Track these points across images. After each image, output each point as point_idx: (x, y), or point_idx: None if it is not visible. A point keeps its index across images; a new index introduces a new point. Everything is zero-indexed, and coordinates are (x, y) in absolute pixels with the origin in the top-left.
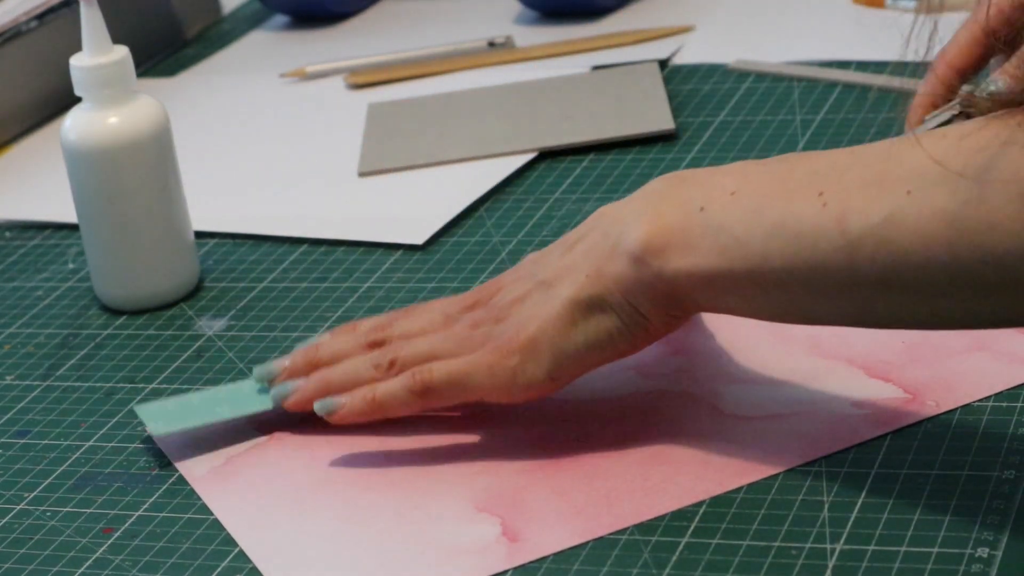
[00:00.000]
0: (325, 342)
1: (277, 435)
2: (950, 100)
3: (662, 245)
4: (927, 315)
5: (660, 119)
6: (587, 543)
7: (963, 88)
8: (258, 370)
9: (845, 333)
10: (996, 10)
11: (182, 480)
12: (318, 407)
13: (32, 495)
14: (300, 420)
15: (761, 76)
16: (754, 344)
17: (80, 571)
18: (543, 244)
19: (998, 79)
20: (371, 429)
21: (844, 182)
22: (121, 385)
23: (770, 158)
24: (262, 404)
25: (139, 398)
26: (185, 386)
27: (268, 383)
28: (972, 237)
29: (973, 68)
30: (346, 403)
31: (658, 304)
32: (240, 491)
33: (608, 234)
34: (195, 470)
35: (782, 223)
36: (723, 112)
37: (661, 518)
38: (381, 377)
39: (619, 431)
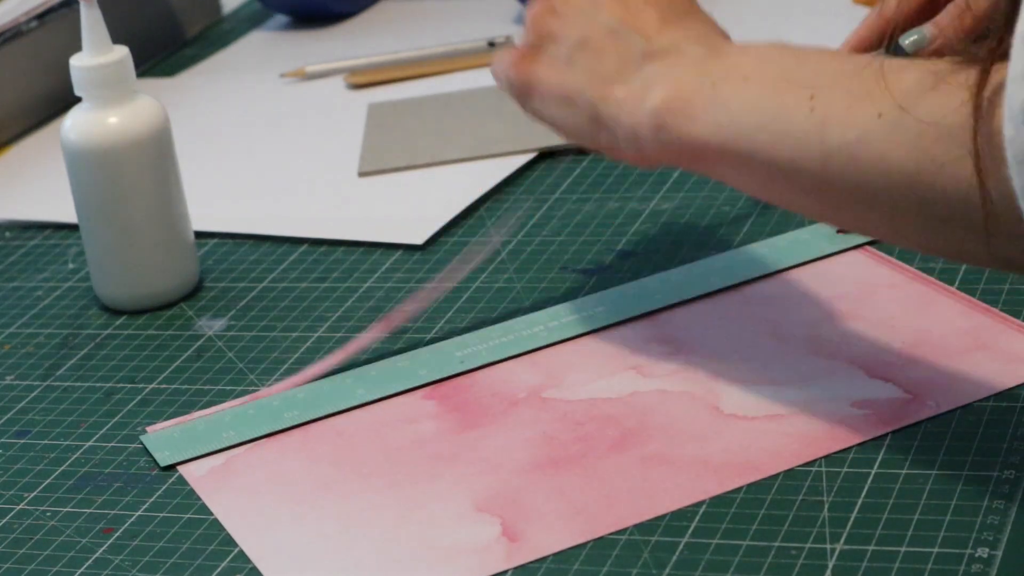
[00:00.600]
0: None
1: (277, 435)
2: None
3: (672, 110)
4: (889, 233)
5: None
6: (587, 543)
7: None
8: None
9: (845, 333)
10: None
11: (182, 480)
12: None
13: (32, 495)
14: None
15: None
16: (754, 344)
17: (80, 571)
18: (543, 244)
19: (923, 28)
20: (371, 430)
21: (835, 91)
22: (121, 385)
23: (792, 45)
24: (268, 426)
25: (139, 398)
26: (185, 386)
27: None
28: (921, 174)
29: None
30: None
31: (658, 151)
32: (240, 491)
33: (645, 70)
34: (195, 470)
35: (774, 118)
36: None
37: (661, 518)
38: None
39: (619, 431)
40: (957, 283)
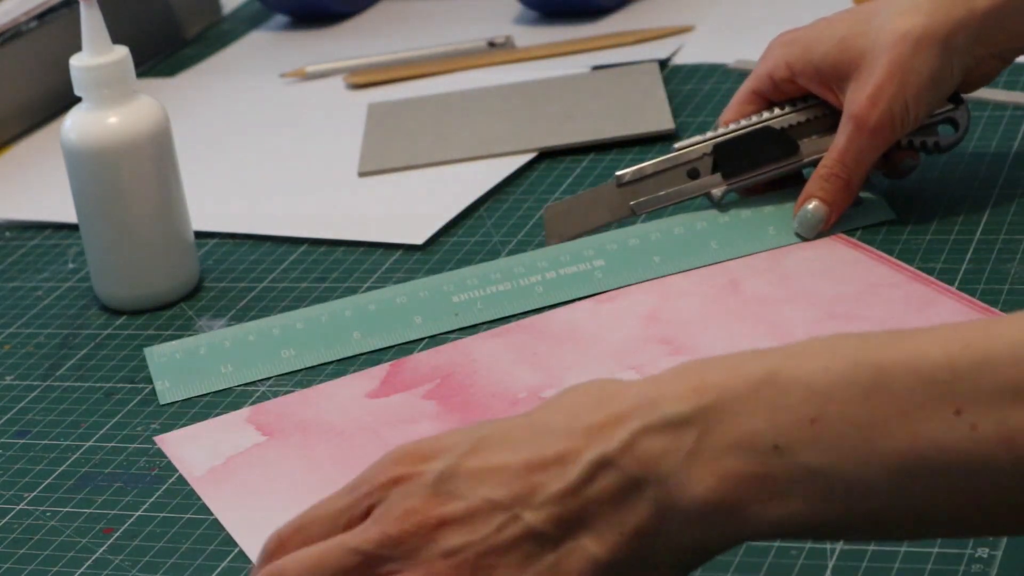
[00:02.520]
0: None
1: (277, 435)
2: None
3: (736, 500)
4: None
5: (660, 119)
6: None
7: None
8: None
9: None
10: (766, 75)
11: (182, 480)
12: None
13: (32, 495)
14: (299, 419)
15: None
16: (754, 344)
17: (80, 571)
18: (543, 243)
19: (809, 210)
20: (371, 430)
21: (981, 393)
22: (121, 385)
23: (831, 364)
24: (267, 366)
25: (139, 398)
26: None
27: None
28: None
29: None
30: None
31: (727, 546)
32: (240, 491)
33: (644, 495)
34: (195, 470)
35: (917, 455)
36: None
37: None
38: None
39: None
40: (957, 283)
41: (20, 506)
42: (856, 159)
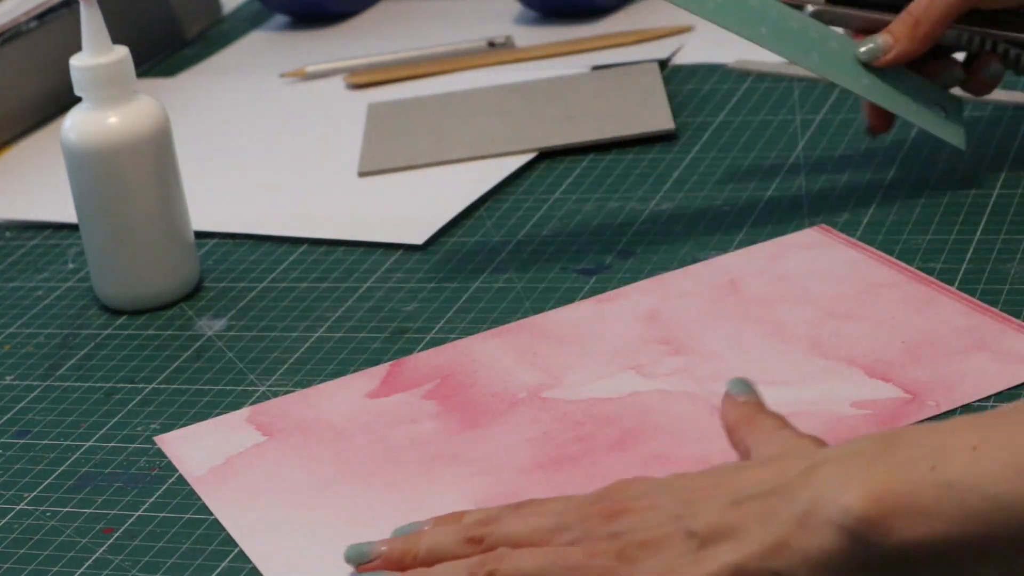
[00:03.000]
0: (426, 531)
1: (277, 435)
2: None
3: (882, 513)
4: None
5: (660, 119)
6: None
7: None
8: (350, 551)
9: (845, 333)
10: None
11: (182, 480)
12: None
13: (32, 495)
14: (299, 419)
15: (761, 76)
16: (754, 344)
17: (80, 571)
18: (544, 244)
19: (876, 37)
20: (371, 430)
21: None
22: (121, 385)
23: (1001, 407)
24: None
25: (139, 398)
26: (185, 386)
27: (357, 567)
28: None
29: None
30: None
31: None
32: (240, 491)
33: (794, 499)
34: (195, 470)
35: None
36: (723, 112)
37: None
38: None
39: (619, 431)
40: (957, 283)
41: (20, 506)
42: (929, 2)
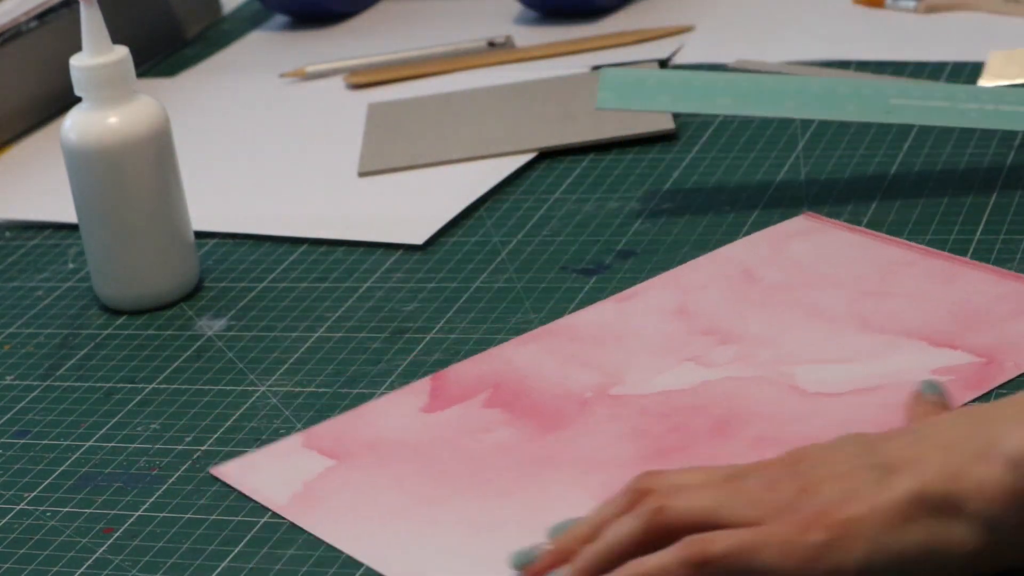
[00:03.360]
0: (588, 515)
1: (346, 458)
2: None
3: None
4: None
5: (660, 119)
6: None
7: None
8: (516, 557)
9: (887, 309)
10: None
11: (182, 480)
12: (515, 562)
13: (32, 495)
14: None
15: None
16: (799, 327)
17: (80, 571)
18: (543, 244)
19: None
20: (446, 443)
21: None
22: (121, 385)
23: None
24: (702, 104)
25: (139, 398)
26: (185, 386)
27: (524, 571)
28: None
29: None
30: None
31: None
32: (342, 512)
33: (975, 434)
34: (276, 499)
35: None
36: None
37: None
38: (648, 532)
39: (711, 419)
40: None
41: (20, 506)
42: None
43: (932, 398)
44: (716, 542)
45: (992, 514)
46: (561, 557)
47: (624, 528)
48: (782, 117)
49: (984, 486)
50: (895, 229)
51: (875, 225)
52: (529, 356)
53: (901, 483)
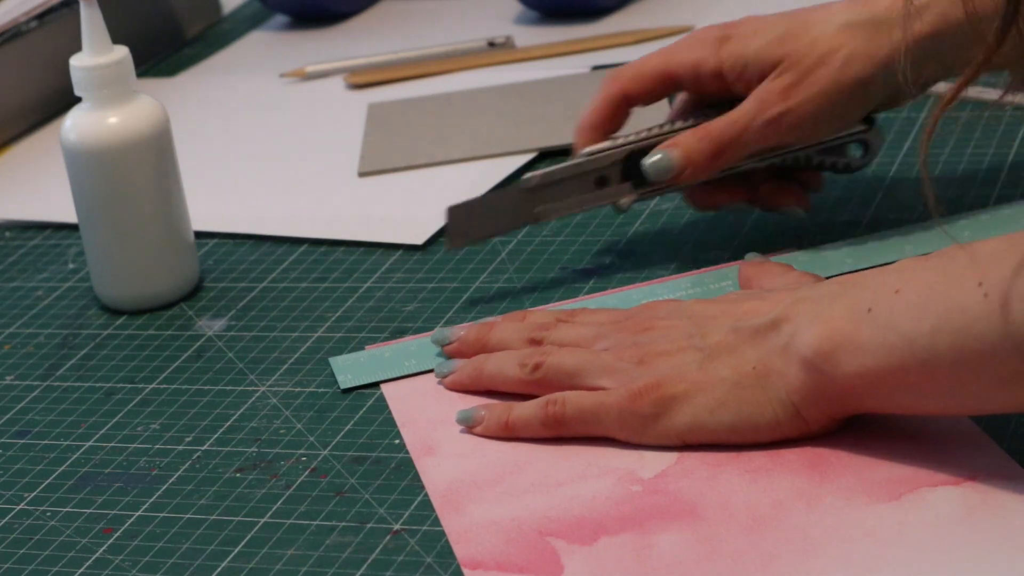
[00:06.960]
0: (497, 325)
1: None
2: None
3: (832, 348)
4: None
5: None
6: None
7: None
8: (437, 333)
9: None
10: (691, 64)
11: (182, 480)
12: (459, 417)
13: (32, 495)
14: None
15: None
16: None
17: (80, 571)
18: (543, 244)
19: (669, 153)
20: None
21: (1003, 269)
22: (121, 385)
23: (932, 253)
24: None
25: (139, 398)
26: (185, 386)
27: (442, 346)
28: None
29: (643, 100)
30: (483, 420)
31: (822, 407)
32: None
33: (780, 331)
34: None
35: (946, 316)
36: None
37: None
38: (524, 378)
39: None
40: None
41: (20, 506)
42: (739, 134)
43: (757, 259)
44: (567, 405)
45: (793, 400)
46: (465, 346)
47: (508, 371)
48: None
49: (787, 378)
50: (895, 227)
51: (875, 225)
52: None
53: (719, 370)
